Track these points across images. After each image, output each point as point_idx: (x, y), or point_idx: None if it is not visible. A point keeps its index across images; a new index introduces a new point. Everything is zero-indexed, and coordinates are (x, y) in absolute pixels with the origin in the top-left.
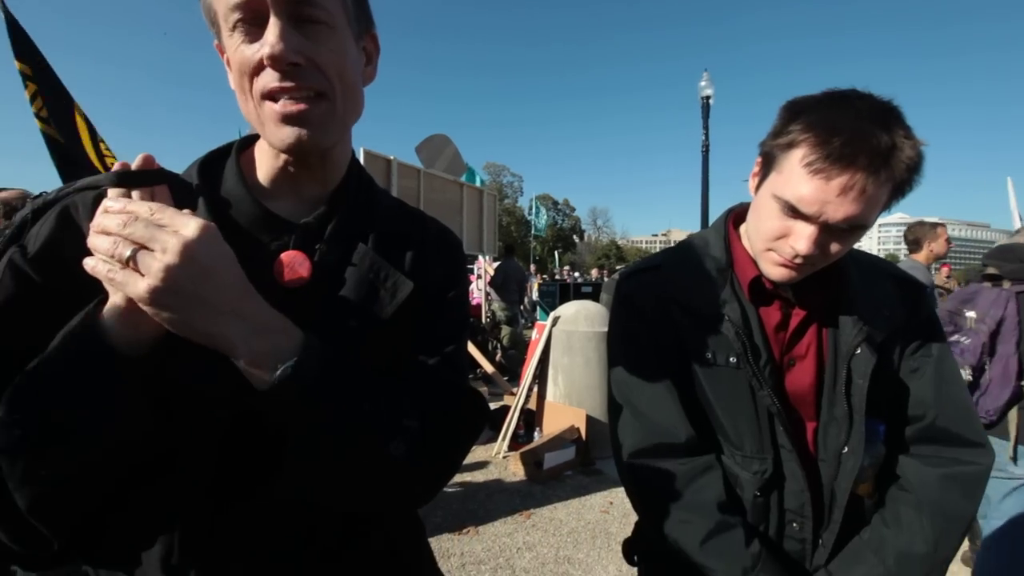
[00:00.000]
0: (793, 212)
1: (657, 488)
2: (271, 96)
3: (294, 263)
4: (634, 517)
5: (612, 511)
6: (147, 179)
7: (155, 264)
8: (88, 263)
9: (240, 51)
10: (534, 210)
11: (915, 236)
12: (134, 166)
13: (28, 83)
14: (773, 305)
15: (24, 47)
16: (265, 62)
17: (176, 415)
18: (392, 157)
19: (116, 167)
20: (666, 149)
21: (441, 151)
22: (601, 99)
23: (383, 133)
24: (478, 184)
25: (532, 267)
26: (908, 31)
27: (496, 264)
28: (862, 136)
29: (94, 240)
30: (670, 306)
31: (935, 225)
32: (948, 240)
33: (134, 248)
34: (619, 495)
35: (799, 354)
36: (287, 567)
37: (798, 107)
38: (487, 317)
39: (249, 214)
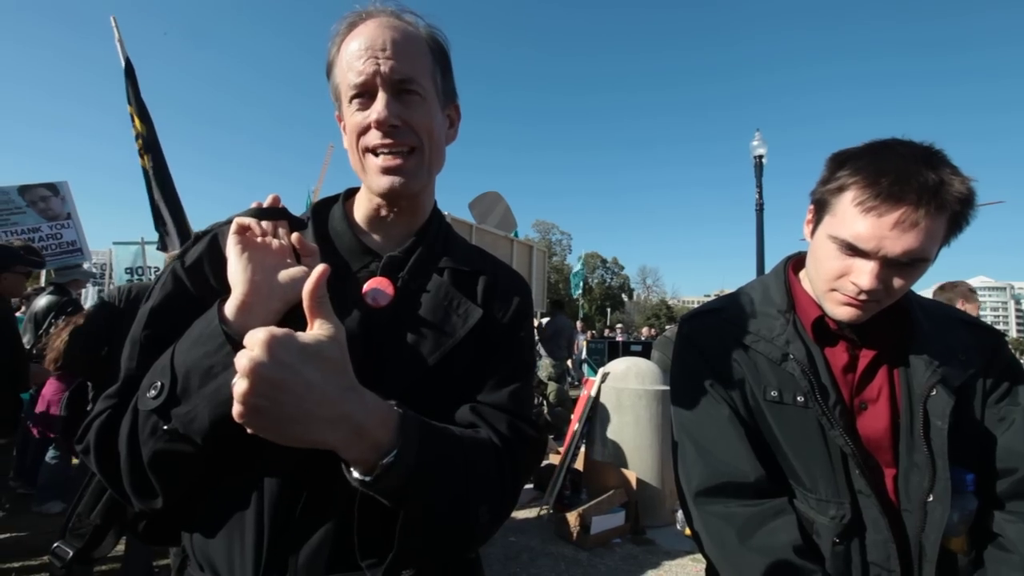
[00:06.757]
0: (851, 250)
1: (727, 530)
2: (374, 151)
3: (381, 286)
4: None
5: None
6: (274, 215)
7: (235, 390)
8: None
9: (354, 116)
10: (576, 269)
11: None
12: (265, 204)
13: (137, 134)
14: (839, 346)
15: (136, 94)
16: (373, 125)
17: None
18: (445, 213)
19: (253, 205)
20: (717, 203)
21: (493, 208)
22: (650, 153)
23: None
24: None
25: (580, 324)
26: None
27: (545, 320)
28: (908, 174)
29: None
30: (733, 346)
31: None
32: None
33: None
34: (673, 570)
35: (870, 397)
36: None
37: (843, 156)
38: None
39: (348, 245)
